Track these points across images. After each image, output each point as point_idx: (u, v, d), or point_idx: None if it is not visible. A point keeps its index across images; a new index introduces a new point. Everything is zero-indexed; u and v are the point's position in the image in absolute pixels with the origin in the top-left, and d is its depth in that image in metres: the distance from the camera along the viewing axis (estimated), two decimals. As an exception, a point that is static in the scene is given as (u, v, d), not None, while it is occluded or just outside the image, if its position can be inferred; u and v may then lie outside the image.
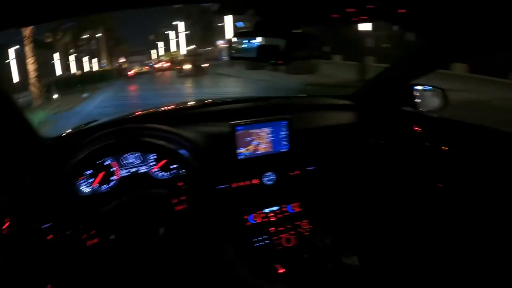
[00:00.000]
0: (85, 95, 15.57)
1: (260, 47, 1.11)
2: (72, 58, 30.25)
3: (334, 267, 1.22)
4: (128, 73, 28.49)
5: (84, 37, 30.21)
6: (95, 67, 37.71)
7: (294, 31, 1.07)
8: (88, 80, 24.08)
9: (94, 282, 1.22)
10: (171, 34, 53.60)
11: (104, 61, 37.77)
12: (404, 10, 0.83)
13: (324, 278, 1.25)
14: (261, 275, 1.29)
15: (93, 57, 37.39)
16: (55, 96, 15.55)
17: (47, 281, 1.16)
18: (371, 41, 12.78)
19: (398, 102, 1.59)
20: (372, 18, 0.97)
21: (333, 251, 1.26)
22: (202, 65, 21.89)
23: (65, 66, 28.65)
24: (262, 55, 1.12)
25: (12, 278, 1.02)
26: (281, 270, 1.28)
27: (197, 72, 20.57)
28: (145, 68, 35.64)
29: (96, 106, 12.27)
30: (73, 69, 31.13)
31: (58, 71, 26.17)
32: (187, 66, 21.59)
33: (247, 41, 1.15)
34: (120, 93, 17.14)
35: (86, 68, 36.03)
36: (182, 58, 27.56)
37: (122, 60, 45.09)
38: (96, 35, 33.47)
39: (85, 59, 35.42)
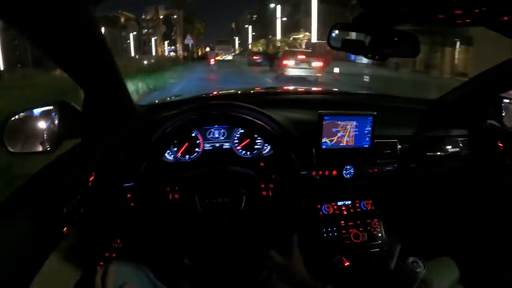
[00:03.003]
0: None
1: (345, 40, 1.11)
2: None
3: (397, 270, 1.19)
4: (215, 58, 30.53)
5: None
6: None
7: (395, 28, 1.05)
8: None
9: (160, 241, 1.31)
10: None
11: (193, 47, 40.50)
12: (506, 18, 0.79)
13: (385, 280, 1.23)
14: (325, 265, 1.31)
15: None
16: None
17: (117, 236, 1.29)
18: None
19: (484, 114, 1.51)
20: (475, 22, 0.92)
21: (399, 254, 1.24)
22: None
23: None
24: (348, 47, 1.14)
25: (87, 229, 1.11)
26: (346, 264, 1.28)
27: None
28: (229, 57, 41.54)
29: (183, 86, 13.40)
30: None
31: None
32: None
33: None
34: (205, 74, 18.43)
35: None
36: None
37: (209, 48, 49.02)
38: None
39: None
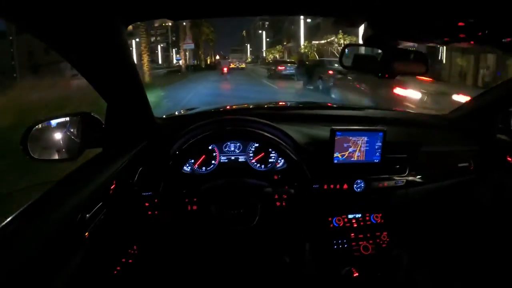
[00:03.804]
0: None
1: (356, 56, 1.14)
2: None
3: (406, 282, 1.21)
4: (228, 67, 30.24)
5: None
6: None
7: (401, 46, 1.08)
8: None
9: (176, 249, 1.35)
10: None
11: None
12: (509, 39, 0.82)
13: None
14: (335, 276, 1.34)
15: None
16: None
17: (134, 242, 1.32)
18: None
19: (495, 128, 1.53)
20: (481, 43, 0.94)
21: (407, 267, 1.25)
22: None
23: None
24: (359, 66, 1.16)
25: (106, 234, 1.13)
26: (356, 274, 1.31)
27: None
28: (242, 65, 42.03)
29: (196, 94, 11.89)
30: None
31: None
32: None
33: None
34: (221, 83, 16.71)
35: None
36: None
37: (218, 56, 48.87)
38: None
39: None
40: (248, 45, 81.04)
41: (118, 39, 0.86)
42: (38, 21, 0.70)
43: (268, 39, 59.25)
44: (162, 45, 63.76)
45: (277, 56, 46.85)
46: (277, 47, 48.80)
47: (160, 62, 60.39)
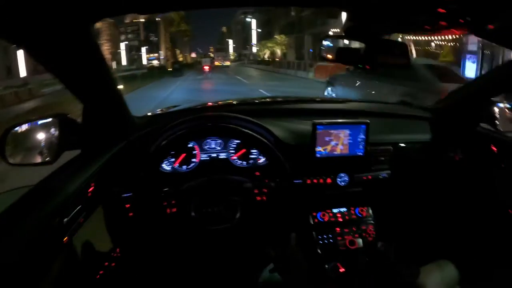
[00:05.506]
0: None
1: (340, 49, 1.13)
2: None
3: (393, 276, 1.22)
4: (210, 65, 29.97)
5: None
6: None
7: (384, 37, 1.09)
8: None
9: (159, 251, 1.33)
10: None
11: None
12: (492, 26, 0.82)
13: (380, 286, 1.25)
14: (320, 271, 1.34)
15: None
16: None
17: (116, 245, 1.29)
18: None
19: (478, 118, 1.55)
20: (463, 30, 0.94)
21: (394, 260, 1.26)
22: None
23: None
24: (342, 58, 1.15)
25: (87, 238, 1.12)
26: (342, 270, 1.31)
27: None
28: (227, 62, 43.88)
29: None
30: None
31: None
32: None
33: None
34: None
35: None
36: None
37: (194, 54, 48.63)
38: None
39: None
40: (231, 42, 77.13)
41: (85, 37, 0.83)
42: (3, 23, 0.67)
43: (259, 30, 50.74)
44: (127, 43, 57.90)
45: (278, 50, 37.96)
46: (278, 37, 36.65)
47: (124, 63, 53.81)
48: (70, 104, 1.64)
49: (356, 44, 1.09)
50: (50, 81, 14.79)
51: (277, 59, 34.83)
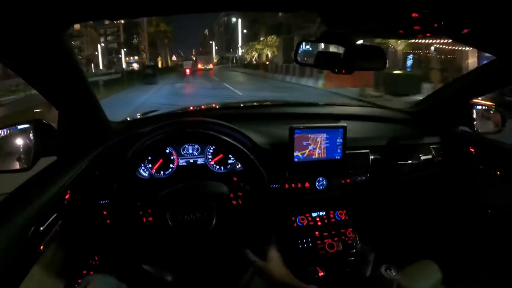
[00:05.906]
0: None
1: (320, 53, 1.12)
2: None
3: (372, 278, 1.24)
4: (191, 68, 29.59)
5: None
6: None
7: (359, 42, 1.09)
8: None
9: (138, 259, 1.31)
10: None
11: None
12: (467, 30, 0.82)
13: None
14: (300, 276, 1.35)
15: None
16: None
17: (95, 253, 1.29)
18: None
19: (456, 120, 1.58)
20: (438, 35, 0.97)
21: (373, 262, 1.28)
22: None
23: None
24: (322, 62, 1.15)
25: (64, 247, 1.11)
26: (321, 274, 1.32)
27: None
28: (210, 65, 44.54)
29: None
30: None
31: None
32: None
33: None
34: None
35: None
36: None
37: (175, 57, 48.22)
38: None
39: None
40: (213, 44, 75.71)
41: (57, 43, 0.81)
42: None
43: (244, 31, 47.83)
44: (103, 45, 56.72)
45: (269, 53, 35.58)
46: (269, 39, 34.61)
47: (101, 67, 52.11)
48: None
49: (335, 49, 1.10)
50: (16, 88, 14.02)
51: (267, 62, 32.85)
